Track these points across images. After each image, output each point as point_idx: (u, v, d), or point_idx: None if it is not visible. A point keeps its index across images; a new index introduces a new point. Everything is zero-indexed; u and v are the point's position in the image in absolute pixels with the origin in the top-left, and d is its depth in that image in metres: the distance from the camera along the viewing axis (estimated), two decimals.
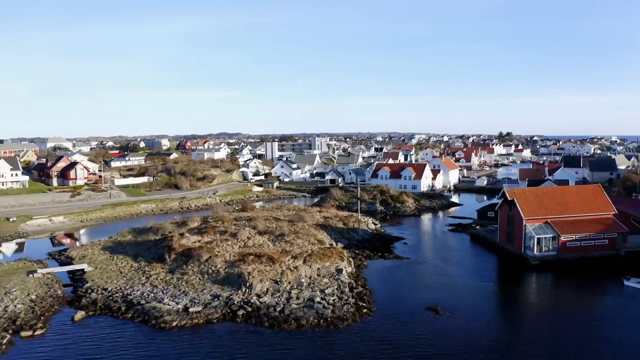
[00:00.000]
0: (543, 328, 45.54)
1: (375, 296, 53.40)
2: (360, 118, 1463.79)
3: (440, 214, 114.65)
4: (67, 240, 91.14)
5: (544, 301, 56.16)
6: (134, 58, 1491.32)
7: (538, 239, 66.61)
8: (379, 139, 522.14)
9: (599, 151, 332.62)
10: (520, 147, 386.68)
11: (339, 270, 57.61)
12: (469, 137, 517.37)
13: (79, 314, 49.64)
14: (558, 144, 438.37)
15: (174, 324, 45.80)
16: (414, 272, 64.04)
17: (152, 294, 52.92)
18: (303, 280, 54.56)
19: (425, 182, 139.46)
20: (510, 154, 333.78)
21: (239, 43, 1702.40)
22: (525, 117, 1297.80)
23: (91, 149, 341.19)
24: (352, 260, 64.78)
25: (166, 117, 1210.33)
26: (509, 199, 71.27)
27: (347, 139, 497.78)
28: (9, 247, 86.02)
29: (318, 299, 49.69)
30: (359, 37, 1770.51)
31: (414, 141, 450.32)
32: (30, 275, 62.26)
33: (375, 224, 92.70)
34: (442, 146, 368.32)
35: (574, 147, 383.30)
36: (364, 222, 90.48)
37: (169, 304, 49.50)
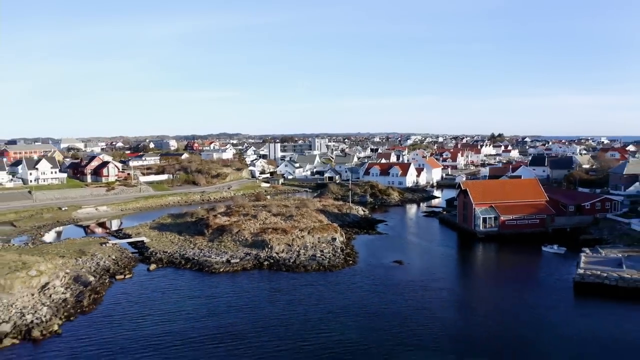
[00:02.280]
0: (478, 274, 67.31)
1: (359, 255, 75.47)
2: (360, 118, 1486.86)
3: (421, 204, 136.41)
4: (116, 224, 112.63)
5: (483, 260, 78.17)
6: (134, 58, 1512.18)
7: (484, 218, 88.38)
8: (377, 139, 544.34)
9: (584, 151, 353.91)
10: (509, 147, 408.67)
11: (334, 239, 79.53)
12: (462, 138, 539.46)
13: (152, 266, 71.46)
14: (547, 145, 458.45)
15: (221, 270, 67.63)
16: (390, 242, 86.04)
17: (202, 253, 74.84)
18: (308, 244, 76.47)
19: (410, 179, 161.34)
20: (499, 154, 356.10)
21: (239, 43, 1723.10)
22: (526, 118, 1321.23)
23: (102, 149, 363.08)
24: (343, 233, 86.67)
25: (166, 117, 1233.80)
26: (463, 189, 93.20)
27: (346, 140, 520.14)
28: (72, 229, 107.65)
29: (318, 255, 71.70)
30: (359, 37, 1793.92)
31: (409, 142, 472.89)
32: (103, 245, 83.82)
33: (364, 211, 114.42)
34: (435, 147, 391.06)
35: (560, 147, 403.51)
36: (355, 209, 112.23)
37: (215, 258, 71.44)
